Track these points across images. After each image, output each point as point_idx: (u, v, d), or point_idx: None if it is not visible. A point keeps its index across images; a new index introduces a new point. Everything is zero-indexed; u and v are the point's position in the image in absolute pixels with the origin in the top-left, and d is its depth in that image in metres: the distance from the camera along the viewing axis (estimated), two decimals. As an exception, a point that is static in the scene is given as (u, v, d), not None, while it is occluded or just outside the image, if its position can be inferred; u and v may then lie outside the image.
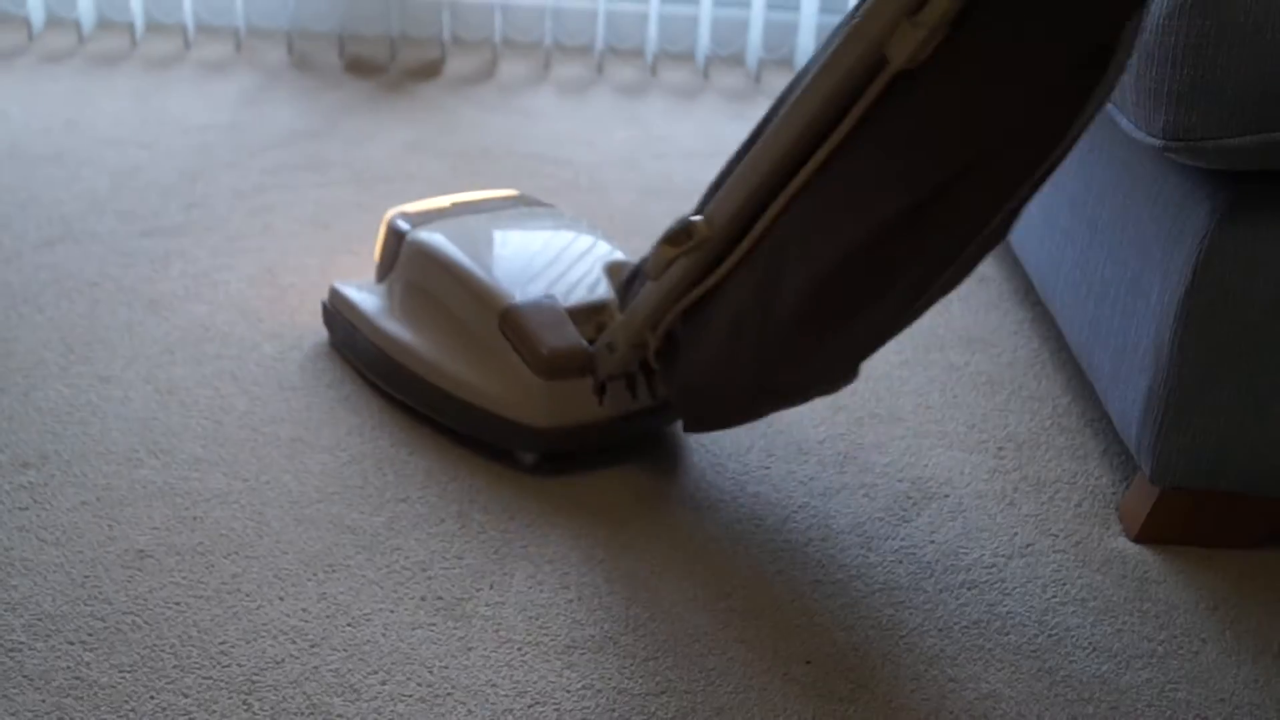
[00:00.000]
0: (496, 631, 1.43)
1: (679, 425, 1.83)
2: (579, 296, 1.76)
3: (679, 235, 1.53)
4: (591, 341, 1.71)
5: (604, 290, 1.79)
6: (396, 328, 1.81)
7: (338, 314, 1.91)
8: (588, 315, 1.75)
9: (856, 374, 1.57)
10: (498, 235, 1.89)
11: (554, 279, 1.79)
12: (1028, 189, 1.35)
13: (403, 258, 1.86)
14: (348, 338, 1.90)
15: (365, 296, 1.89)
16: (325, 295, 1.99)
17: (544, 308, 1.72)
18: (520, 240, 1.88)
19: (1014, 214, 1.39)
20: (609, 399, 1.71)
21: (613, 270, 1.83)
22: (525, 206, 2.02)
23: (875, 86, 1.35)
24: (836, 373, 1.53)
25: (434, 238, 1.84)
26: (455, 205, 1.98)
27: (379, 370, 1.84)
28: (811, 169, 1.42)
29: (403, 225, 1.89)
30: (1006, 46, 1.28)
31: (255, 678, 1.34)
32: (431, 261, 1.81)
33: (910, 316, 1.46)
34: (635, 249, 2.29)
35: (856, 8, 1.37)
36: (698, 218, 1.52)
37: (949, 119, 1.32)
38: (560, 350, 1.68)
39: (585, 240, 1.90)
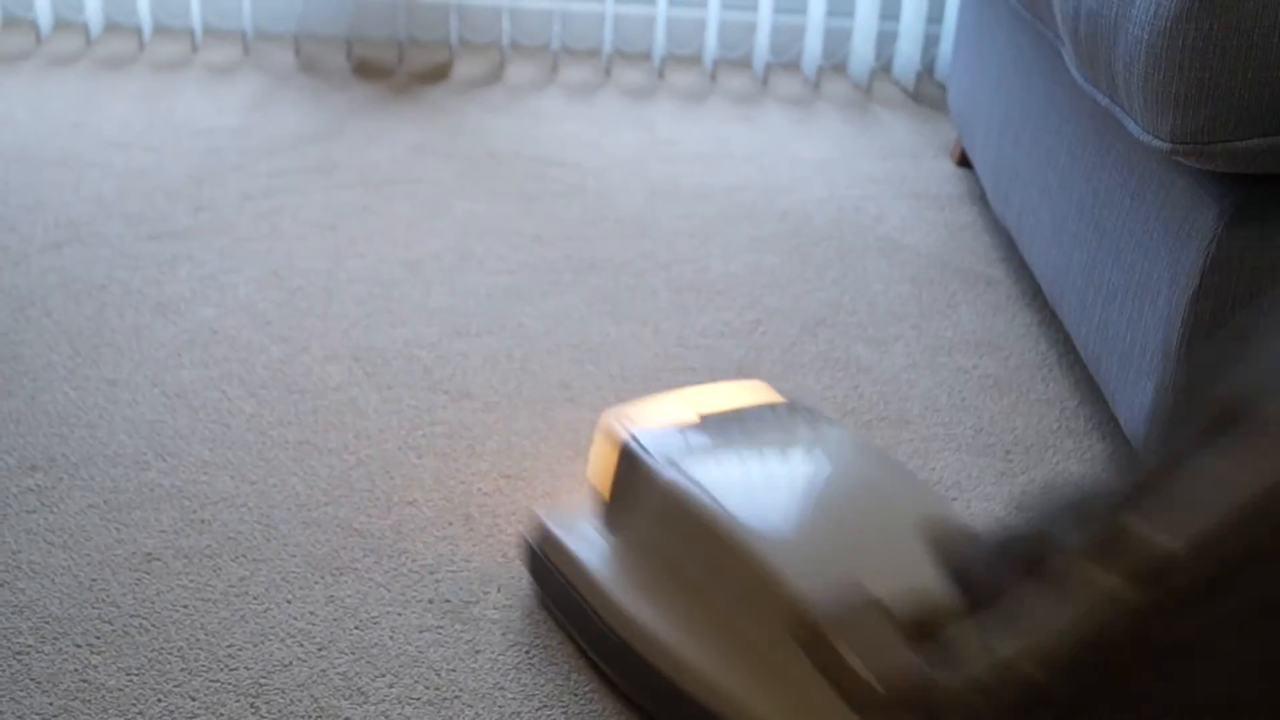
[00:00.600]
0: (504, 635, 1.43)
1: None
2: (899, 583, 1.17)
3: (1117, 550, 0.94)
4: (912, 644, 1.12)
5: (925, 570, 1.16)
6: (637, 603, 1.32)
7: (551, 566, 1.43)
8: (915, 618, 1.13)
9: None
10: (778, 479, 1.36)
11: (861, 555, 1.26)
12: None
13: (650, 503, 1.36)
14: (563, 600, 1.42)
15: (593, 549, 1.39)
16: (529, 529, 1.48)
17: (861, 614, 1.17)
18: (811, 489, 1.36)
19: None
20: None
21: (932, 533, 1.20)
22: (798, 424, 1.46)
23: None
24: None
25: (695, 485, 1.31)
26: (704, 418, 1.44)
27: (610, 657, 1.35)
28: None
29: (648, 457, 1.36)
30: None
31: (263, 681, 1.34)
32: (696, 522, 1.30)
33: None
34: (643, 252, 2.29)
35: None
36: (1151, 531, 0.92)
37: None
38: (898, 684, 1.10)
39: (897, 487, 1.38)
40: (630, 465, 1.37)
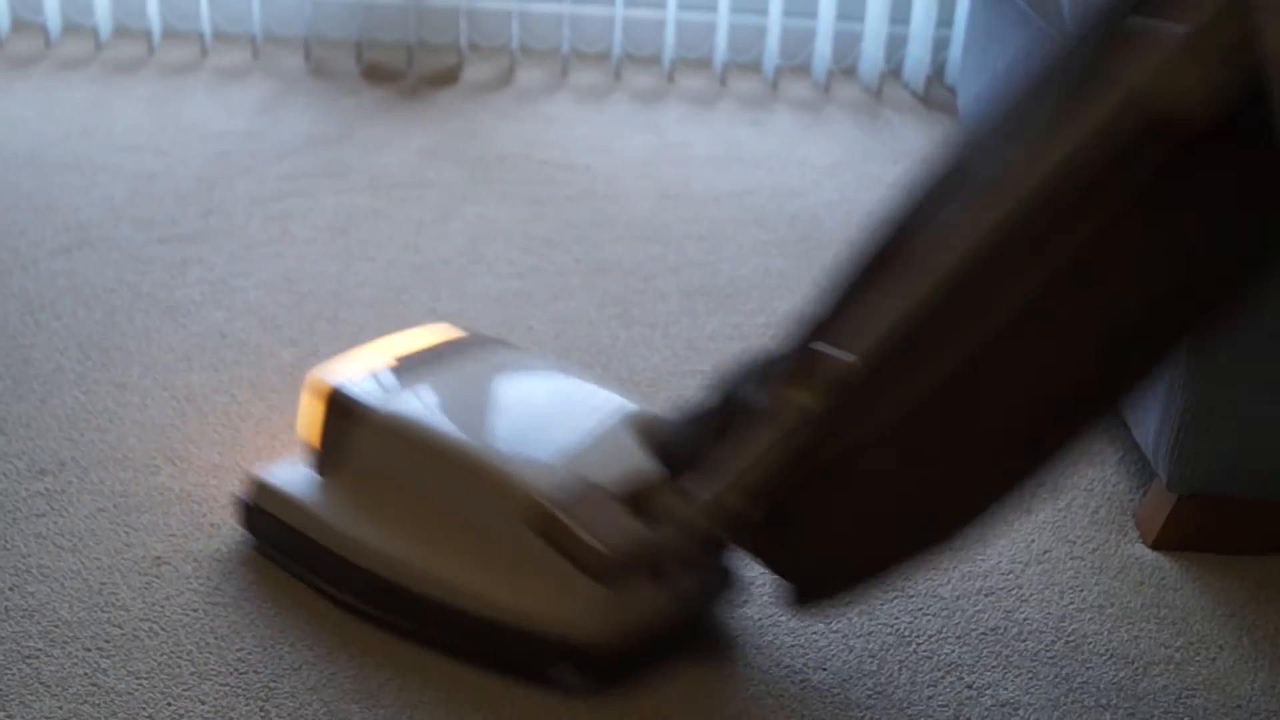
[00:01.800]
0: (513, 638, 1.43)
1: None
2: (611, 468, 1.39)
3: (809, 372, 1.20)
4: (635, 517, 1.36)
5: (636, 455, 1.42)
6: (369, 531, 1.44)
7: (270, 517, 1.52)
8: (625, 489, 1.37)
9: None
10: (479, 397, 1.54)
11: (573, 449, 1.44)
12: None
13: (367, 442, 1.47)
14: (290, 543, 1.50)
15: (311, 490, 1.50)
16: (242, 487, 1.56)
17: (584, 493, 1.36)
18: (510, 400, 1.55)
19: None
20: (676, 588, 1.39)
21: (639, 427, 1.46)
22: (484, 350, 1.62)
23: (1145, 161, 1.04)
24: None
25: (409, 413, 1.46)
26: (400, 359, 1.57)
27: (348, 585, 1.45)
28: (1038, 274, 1.11)
29: (359, 399, 1.48)
30: None
31: (273, 685, 1.34)
32: (414, 446, 1.45)
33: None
34: (653, 255, 2.29)
35: (1060, 71, 1.12)
36: (831, 350, 1.20)
37: (1234, 212, 1.05)
38: (626, 548, 1.34)
39: (587, 390, 1.56)
40: (340, 411, 1.47)
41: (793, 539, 1.29)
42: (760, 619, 1.48)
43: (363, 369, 1.53)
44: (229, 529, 1.56)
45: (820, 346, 1.19)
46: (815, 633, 1.47)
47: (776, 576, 1.32)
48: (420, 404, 1.48)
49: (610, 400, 1.52)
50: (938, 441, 1.18)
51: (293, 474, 1.52)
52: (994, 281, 1.13)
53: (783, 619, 1.49)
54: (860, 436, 1.20)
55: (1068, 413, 1.14)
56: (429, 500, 1.43)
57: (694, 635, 1.46)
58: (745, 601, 1.50)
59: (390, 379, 1.51)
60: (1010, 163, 1.11)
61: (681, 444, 1.37)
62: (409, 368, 1.54)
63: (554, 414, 1.50)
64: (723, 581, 1.45)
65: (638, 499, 1.36)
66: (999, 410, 1.15)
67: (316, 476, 1.50)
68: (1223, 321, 1.09)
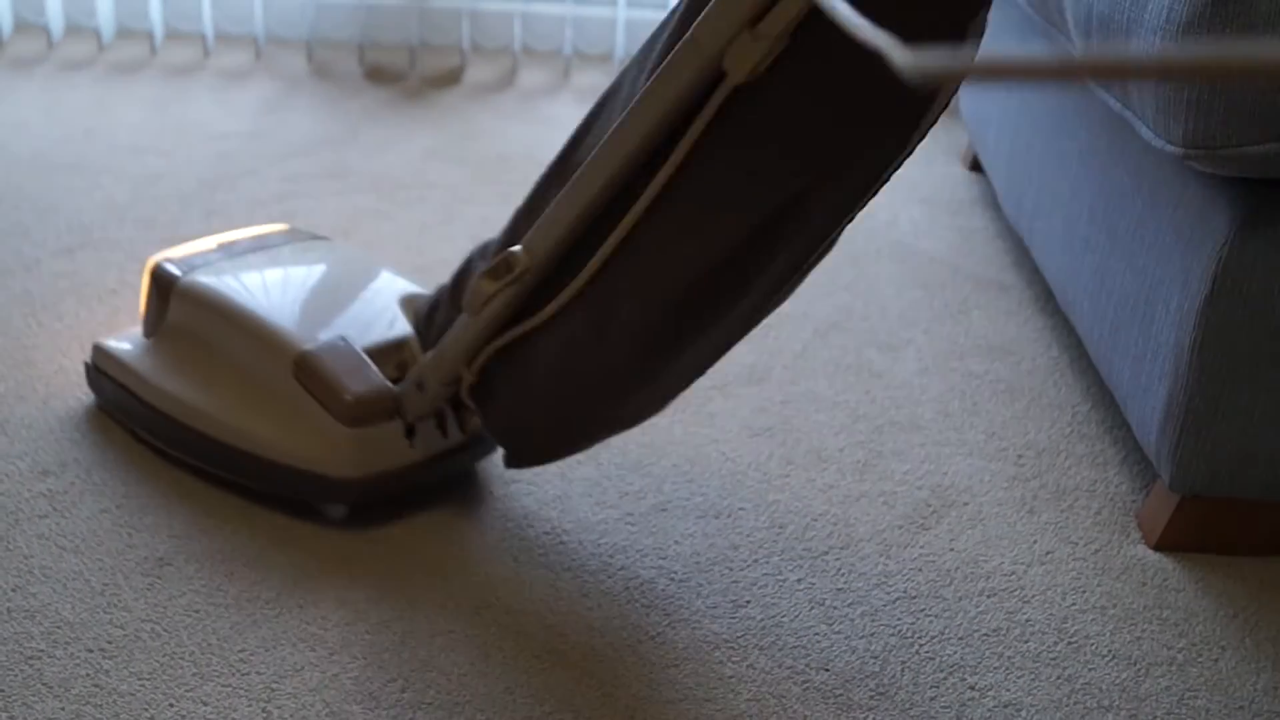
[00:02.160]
0: (516, 638, 1.43)
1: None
2: (376, 335, 1.65)
3: (499, 268, 1.45)
4: (395, 381, 1.61)
5: (402, 327, 1.67)
6: (176, 385, 1.66)
7: (105, 375, 1.75)
8: (387, 355, 1.64)
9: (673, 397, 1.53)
10: (278, 275, 1.74)
11: (346, 319, 1.67)
12: (864, 203, 1.33)
13: (174, 308, 1.69)
14: (119, 400, 1.73)
15: (136, 353, 1.72)
16: (88, 354, 1.83)
17: (340, 350, 1.60)
18: (303, 279, 1.74)
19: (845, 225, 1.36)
20: (420, 440, 1.60)
21: (408, 304, 1.71)
22: (300, 242, 1.85)
23: (713, 103, 1.28)
24: (666, 397, 1.50)
25: (208, 283, 1.68)
26: (223, 245, 1.80)
27: (161, 433, 1.68)
28: (649, 194, 1.34)
29: (171, 271, 1.71)
30: (846, 60, 1.23)
31: (275, 685, 1.34)
32: (209, 309, 1.66)
33: (742, 334, 1.45)
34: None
35: (679, 13, 1.32)
36: (517, 248, 1.44)
37: (791, 136, 1.28)
38: (364, 394, 1.56)
39: (373, 274, 1.78)
40: (160, 282, 1.71)
41: (496, 405, 1.53)
42: (764, 620, 1.49)
43: (187, 251, 1.77)
44: (232, 530, 1.56)
45: (513, 248, 1.44)
46: (818, 634, 1.47)
47: (493, 437, 1.56)
48: (221, 277, 1.70)
49: (393, 283, 1.76)
50: (587, 326, 1.41)
51: (126, 341, 1.75)
52: (621, 192, 1.38)
53: (785, 620, 1.49)
54: (535, 320, 1.45)
55: (687, 309, 1.37)
56: (223, 358, 1.66)
57: (442, 481, 1.69)
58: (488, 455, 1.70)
59: (205, 258, 1.75)
60: (635, 96, 1.34)
61: (430, 317, 1.62)
62: (226, 252, 1.78)
63: (340, 290, 1.73)
64: (472, 440, 1.67)
65: (388, 356, 1.64)
66: (633, 305, 1.38)
67: (142, 341, 1.74)
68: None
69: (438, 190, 2.53)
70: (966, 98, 2.69)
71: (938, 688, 1.41)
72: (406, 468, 1.60)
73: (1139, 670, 1.46)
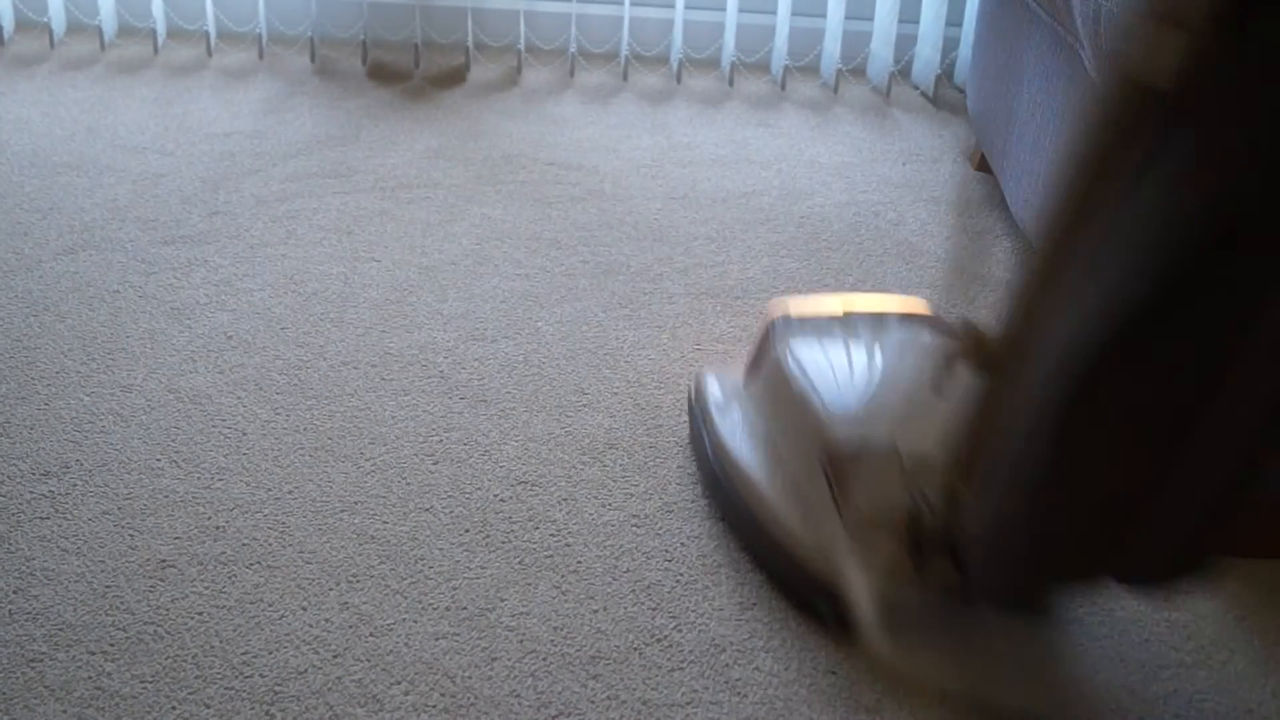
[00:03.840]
0: (520, 642, 1.42)
1: None
2: (923, 449, 1.46)
3: (969, 345, 1.28)
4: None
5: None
6: (737, 439, 1.66)
7: (694, 408, 1.78)
8: (925, 470, 1.43)
9: (1196, 562, 1.27)
10: (869, 361, 1.64)
11: (899, 414, 1.53)
12: None
13: (766, 369, 1.69)
14: (696, 438, 1.75)
15: (722, 398, 1.74)
16: (695, 378, 1.82)
17: (876, 452, 1.46)
18: (893, 368, 1.63)
19: None
20: (928, 569, 1.41)
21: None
22: (916, 324, 1.73)
23: (1136, 124, 1.08)
24: (1144, 541, 1.23)
25: (793, 354, 1.64)
26: (846, 315, 1.73)
27: (709, 481, 1.69)
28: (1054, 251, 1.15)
29: (777, 332, 1.70)
30: None
31: (278, 688, 1.34)
32: (778, 379, 1.64)
33: (1229, 447, 1.16)
34: (661, 256, 2.29)
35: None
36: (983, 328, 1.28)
37: (1219, 160, 1.04)
38: (875, 505, 1.44)
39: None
40: (765, 339, 1.71)
41: (971, 529, 1.33)
42: (769, 621, 1.48)
43: (809, 310, 1.75)
44: (233, 532, 1.56)
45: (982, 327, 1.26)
46: (824, 636, 1.46)
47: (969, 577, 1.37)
48: (809, 354, 1.65)
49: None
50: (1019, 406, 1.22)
51: (722, 383, 1.78)
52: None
53: (792, 622, 1.48)
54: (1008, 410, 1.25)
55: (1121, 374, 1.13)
56: (779, 431, 1.63)
57: (945, 622, 1.44)
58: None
59: (818, 328, 1.71)
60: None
61: None
62: (844, 323, 1.73)
63: (915, 385, 1.58)
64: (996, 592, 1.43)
65: (918, 473, 1.43)
66: (1055, 363, 1.16)
67: (738, 390, 1.76)
68: None
69: (441, 190, 2.52)
70: (974, 98, 2.68)
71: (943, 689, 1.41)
72: (904, 591, 1.44)
73: (1147, 673, 1.45)
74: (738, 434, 1.66)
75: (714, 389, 1.76)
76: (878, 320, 1.73)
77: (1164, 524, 1.21)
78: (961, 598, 1.41)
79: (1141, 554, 1.23)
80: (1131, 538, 1.22)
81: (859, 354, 1.65)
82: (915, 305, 1.77)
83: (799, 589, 1.50)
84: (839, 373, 1.60)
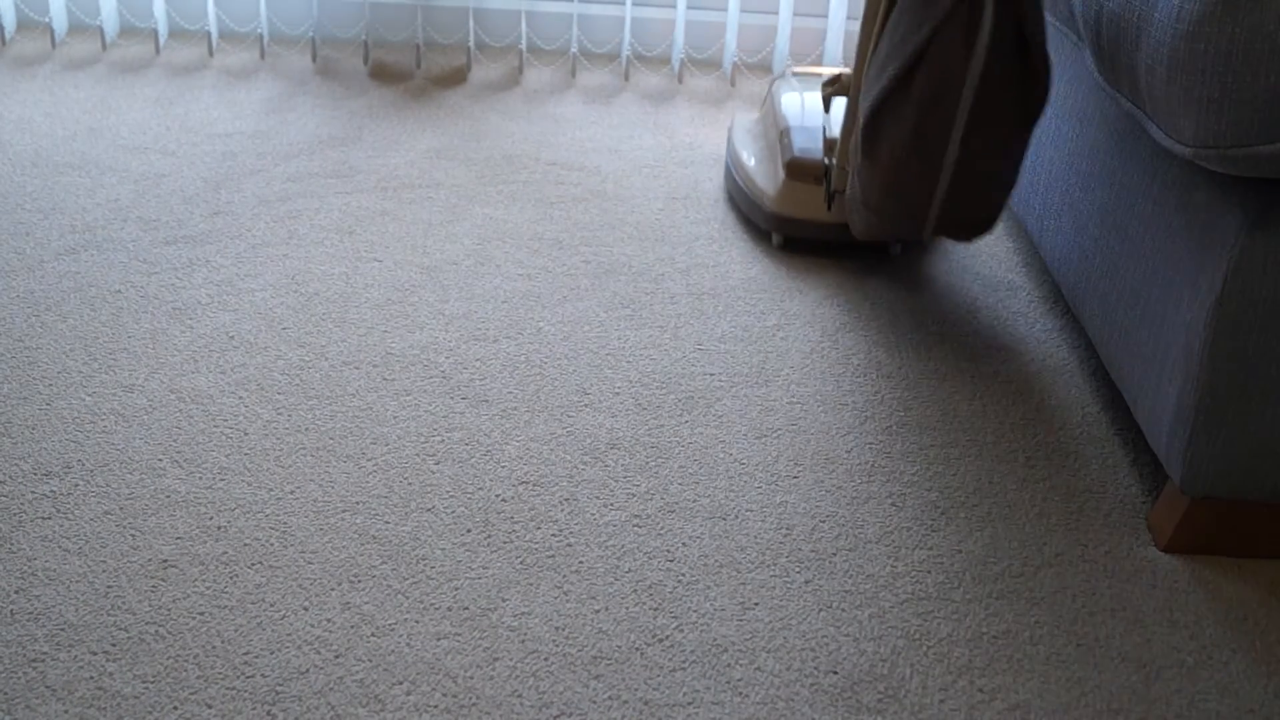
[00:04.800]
0: (522, 642, 1.42)
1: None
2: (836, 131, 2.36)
3: (832, 79, 2.23)
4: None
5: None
6: (741, 139, 2.59)
7: (730, 138, 2.64)
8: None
9: (985, 223, 1.95)
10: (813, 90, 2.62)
11: (835, 119, 2.42)
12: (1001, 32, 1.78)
13: (766, 98, 2.68)
14: (729, 153, 2.60)
15: (740, 127, 2.66)
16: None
17: (809, 132, 2.39)
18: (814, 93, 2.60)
19: (1032, 46, 1.79)
20: (835, 208, 2.28)
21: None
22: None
23: None
24: (939, 210, 1.93)
25: (779, 84, 2.63)
26: (797, 73, 2.75)
27: (728, 175, 2.57)
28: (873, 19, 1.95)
29: (777, 80, 2.69)
30: None
31: (279, 688, 1.34)
32: (769, 97, 2.63)
33: (964, 164, 1.87)
34: (663, 256, 2.29)
35: None
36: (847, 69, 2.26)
37: None
38: (799, 160, 2.33)
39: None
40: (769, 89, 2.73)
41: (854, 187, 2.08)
42: (770, 621, 1.48)
43: (800, 72, 2.81)
44: (235, 531, 1.56)
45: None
46: (826, 636, 1.46)
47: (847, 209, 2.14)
48: (790, 87, 2.66)
49: None
50: (897, 125, 1.89)
51: (745, 118, 2.76)
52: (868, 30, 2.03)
53: (793, 622, 1.48)
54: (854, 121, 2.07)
55: (888, 109, 1.89)
56: (765, 130, 2.60)
57: (841, 241, 2.34)
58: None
59: (801, 79, 2.75)
60: None
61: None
62: (809, 79, 2.73)
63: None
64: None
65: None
66: (918, 115, 1.85)
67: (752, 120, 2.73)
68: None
69: (443, 190, 2.52)
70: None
71: (947, 690, 1.41)
72: (818, 220, 2.30)
73: (1149, 673, 1.45)
74: (741, 139, 2.59)
75: (739, 122, 2.68)
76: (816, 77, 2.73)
77: (955, 199, 1.90)
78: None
79: (948, 218, 1.92)
80: (935, 207, 1.92)
81: (806, 92, 2.61)
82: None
83: (759, 222, 2.39)
84: (807, 94, 2.59)
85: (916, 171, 1.88)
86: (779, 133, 2.44)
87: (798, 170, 2.33)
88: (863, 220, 2.07)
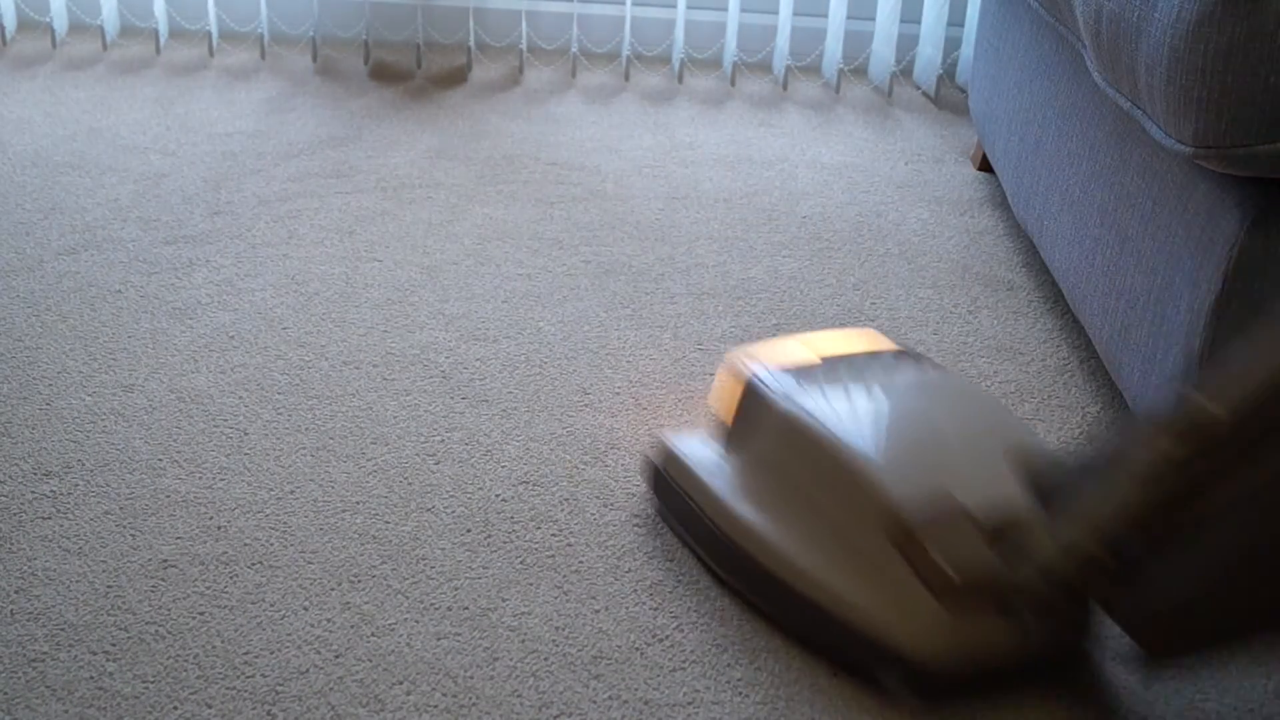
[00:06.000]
0: (522, 642, 1.42)
1: None
2: (984, 496, 1.41)
3: (1191, 430, 1.17)
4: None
5: (1009, 488, 1.42)
6: (750, 512, 1.51)
7: (669, 479, 1.61)
8: (1004, 532, 1.37)
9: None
10: (879, 408, 1.55)
11: (951, 471, 1.45)
12: None
13: (768, 429, 1.55)
14: (682, 511, 1.59)
15: (708, 464, 1.59)
16: (653, 450, 1.70)
17: (950, 518, 1.38)
18: (909, 415, 1.56)
19: None
20: (1016, 624, 1.37)
21: (1021, 457, 1.45)
22: (904, 362, 1.66)
23: None
24: None
25: (813, 415, 1.51)
26: (824, 360, 1.64)
27: (721, 559, 1.54)
28: None
29: (767, 391, 1.57)
30: None
31: (279, 688, 1.34)
32: (810, 445, 1.50)
33: None
34: (663, 256, 2.29)
35: None
36: (1198, 397, 1.17)
37: None
38: (974, 576, 1.35)
39: (983, 413, 1.57)
40: (753, 398, 1.57)
41: (1145, 594, 1.25)
42: (771, 621, 1.48)
43: (780, 360, 1.63)
44: (235, 531, 1.56)
45: (1193, 395, 1.16)
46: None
47: (1123, 630, 1.29)
48: (822, 405, 1.53)
49: (1001, 425, 1.54)
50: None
51: (699, 447, 1.62)
52: None
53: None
54: (1224, 494, 1.16)
55: None
56: (808, 495, 1.49)
57: (1033, 677, 1.43)
58: (1095, 655, 1.47)
59: (802, 376, 1.60)
60: None
61: (1056, 482, 1.32)
62: (827, 370, 1.61)
63: (944, 431, 1.52)
64: (1076, 631, 1.43)
65: (1001, 529, 1.36)
66: None
67: (721, 453, 1.61)
68: None
69: (443, 190, 2.52)
70: (975, 97, 2.68)
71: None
72: (995, 658, 1.40)
73: (1148, 673, 1.45)
74: (749, 502, 1.53)
75: (692, 451, 1.61)
76: (855, 361, 1.65)
77: None
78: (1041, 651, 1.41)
79: None
80: None
81: (860, 403, 1.55)
82: (872, 338, 1.72)
83: (872, 663, 1.40)
84: (860, 428, 1.50)
85: None
86: (892, 526, 1.40)
87: (966, 595, 1.35)
88: (1202, 630, 1.26)
